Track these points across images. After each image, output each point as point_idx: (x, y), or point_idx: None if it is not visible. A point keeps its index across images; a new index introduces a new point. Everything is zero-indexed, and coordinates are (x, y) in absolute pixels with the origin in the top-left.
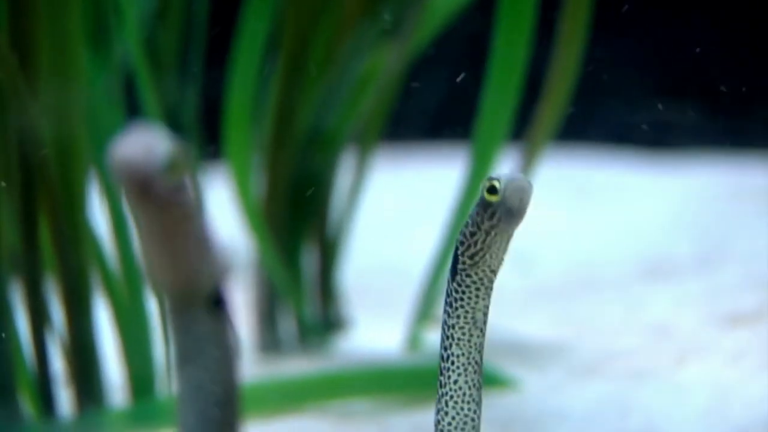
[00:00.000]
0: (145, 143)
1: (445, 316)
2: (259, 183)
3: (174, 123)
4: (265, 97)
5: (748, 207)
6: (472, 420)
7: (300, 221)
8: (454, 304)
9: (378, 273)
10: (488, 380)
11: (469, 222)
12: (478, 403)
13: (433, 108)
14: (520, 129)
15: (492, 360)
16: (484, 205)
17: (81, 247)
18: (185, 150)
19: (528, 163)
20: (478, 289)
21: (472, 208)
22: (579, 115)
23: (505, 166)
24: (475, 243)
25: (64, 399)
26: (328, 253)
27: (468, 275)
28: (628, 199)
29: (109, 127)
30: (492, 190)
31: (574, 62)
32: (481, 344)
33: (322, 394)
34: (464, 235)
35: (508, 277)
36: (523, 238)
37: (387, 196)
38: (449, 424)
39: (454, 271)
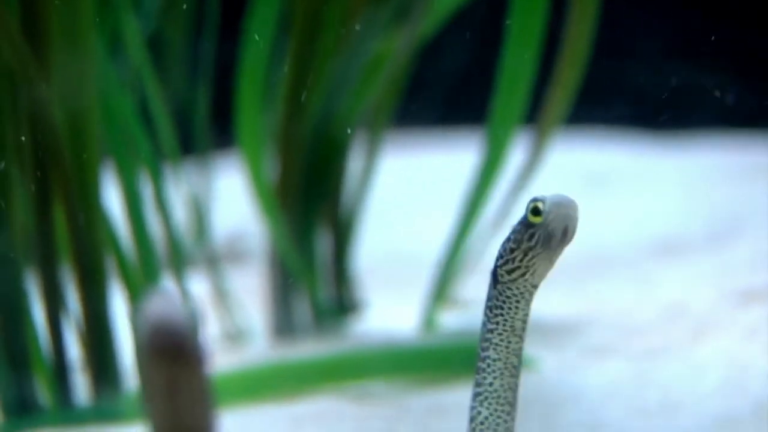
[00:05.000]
0: (171, 306)
1: (485, 318)
2: (271, 168)
3: (185, 111)
4: (276, 82)
5: (758, 185)
6: (505, 422)
7: (313, 205)
8: (494, 310)
9: (391, 256)
10: None
11: (511, 237)
12: (513, 405)
13: (444, 93)
14: (532, 113)
15: None
16: (527, 224)
17: (95, 231)
18: (197, 309)
19: (538, 146)
20: (518, 301)
21: (516, 222)
22: (588, 97)
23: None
24: (513, 260)
25: (81, 384)
26: (341, 237)
27: (509, 288)
28: (639, 179)
29: (121, 110)
30: (536, 211)
31: (584, 46)
32: (519, 349)
33: (339, 376)
34: (504, 249)
35: None
36: None
37: (399, 181)
38: (482, 423)
39: (494, 280)
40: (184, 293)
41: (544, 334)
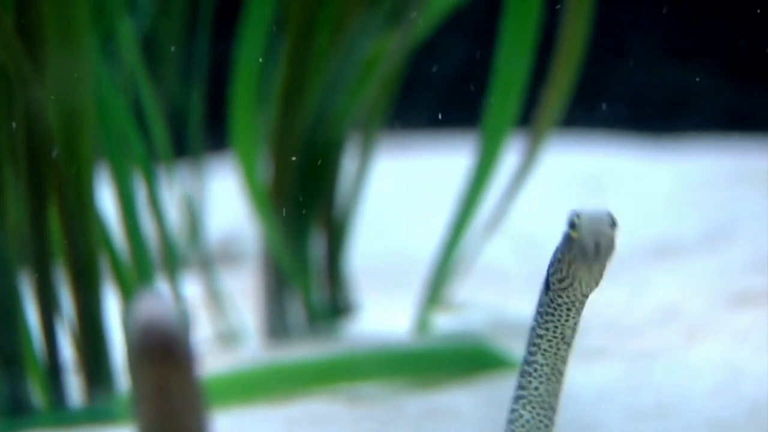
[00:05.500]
0: (161, 308)
1: (534, 323)
2: (265, 169)
3: (179, 111)
4: (270, 83)
5: (752, 189)
6: (546, 426)
7: (307, 207)
8: (545, 317)
9: (385, 258)
10: (496, 361)
11: (558, 247)
12: (555, 411)
13: (439, 94)
14: (527, 114)
15: (501, 341)
16: (567, 237)
17: (89, 232)
18: (187, 311)
19: (533, 149)
20: (569, 309)
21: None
22: (582, 101)
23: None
24: (560, 270)
25: (74, 386)
26: (335, 238)
27: (559, 296)
28: (634, 182)
29: (115, 111)
30: (573, 225)
31: (579, 47)
32: (567, 355)
33: (332, 378)
34: (554, 258)
35: (515, 261)
36: (527, 222)
37: (392, 183)
38: (522, 426)
39: (546, 287)
40: (176, 295)
41: None
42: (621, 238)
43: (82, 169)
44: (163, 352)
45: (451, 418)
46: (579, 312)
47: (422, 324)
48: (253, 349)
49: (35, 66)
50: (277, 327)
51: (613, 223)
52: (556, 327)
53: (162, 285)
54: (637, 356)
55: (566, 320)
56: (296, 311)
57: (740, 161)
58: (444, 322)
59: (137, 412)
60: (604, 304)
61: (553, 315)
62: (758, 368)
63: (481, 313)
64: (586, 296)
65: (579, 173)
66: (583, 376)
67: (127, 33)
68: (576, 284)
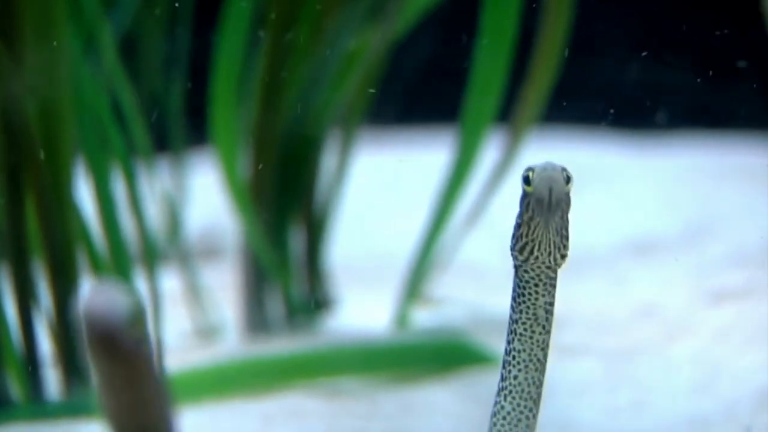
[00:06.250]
0: (108, 299)
1: (510, 311)
2: (245, 165)
3: (159, 107)
4: (250, 78)
5: (732, 185)
6: (527, 418)
7: (287, 202)
8: (517, 300)
9: (364, 253)
10: (475, 357)
11: (517, 214)
12: (536, 402)
13: (418, 90)
14: (506, 111)
15: (479, 336)
16: (523, 195)
17: (67, 226)
18: (142, 304)
19: (512, 145)
20: (536, 285)
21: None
22: (562, 96)
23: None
24: (521, 236)
25: (52, 379)
26: (315, 233)
27: (525, 271)
28: (614, 179)
29: (94, 105)
30: (527, 180)
31: (559, 43)
32: (545, 341)
33: (311, 372)
34: (514, 227)
35: (494, 257)
36: (507, 218)
37: (372, 179)
38: (504, 418)
39: (514, 266)
40: (131, 288)
41: None
42: (601, 235)
43: (60, 164)
44: (108, 344)
45: (430, 413)
46: (548, 289)
47: (401, 319)
48: (232, 343)
49: (13, 60)
50: (256, 321)
51: (567, 176)
52: (528, 308)
53: (109, 278)
54: (616, 353)
55: (536, 299)
56: (275, 306)
57: (720, 158)
58: (423, 318)
59: (102, 405)
60: (583, 300)
61: (523, 295)
62: (737, 365)
63: (460, 308)
64: (550, 268)
65: None
66: (561, 373)
67: (107, 28)
68: (536, 251)
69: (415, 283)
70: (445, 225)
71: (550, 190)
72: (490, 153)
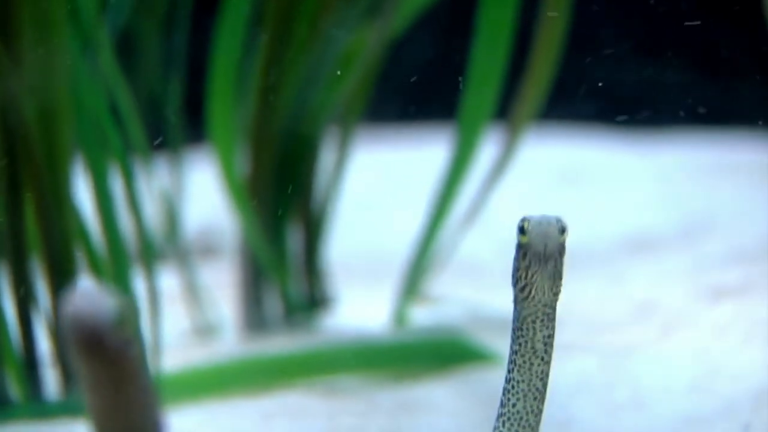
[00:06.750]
0: (94, 300)
1: (511, 341)
2: (243, 162)
3: (157, 104)
4: (248, 76)
5: (729, 182)
6: None
7: (284, 200)
8: (517, 332)
9: (362, 252)
10: (473, 355)
11: (514, 257)
12: (534, 429)
13: (416, 88)
14: (504, 108)
15: (477, 334)
16: (519, 244)
17: (66, 225)
18: (131, 305)
19: (510, 142)
20: (534, 321)
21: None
22: (561, 93)
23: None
24: (521, 278)
25: (51, 379)
26: (313, 231)
27: (523, 308)
28: (612, 176)
29: (92, 104)
30: (522, 231)
31: (557, 41)
32: (544, 372)
33: (309, 371)
34: (514, 269)
35: (492, 255)
36: (505, 215)
37: (371, 176)
38: None
39: (514, 300)
40: (128, 288)
41: None
42: (599, 232)
43: (58, 163)
44: (92, 345)
45: (428, 411)
46: (546, 325)
47: (399, 317)
48: (230, 342)
49: (12, 58)
50: (254, 320)
51: (561, 227)
52: (526, 341)
53: (91, 278)
54: (613, 351)
55: (534, 333)
56: (273, 304)
57: (717, 155)
58: (421, 316)
59: (87, 405)
60: (580, 297)
61: (521, 329)
62: (735, 362)
63: (458, 306)
64: (548, 306)
65: (557, 167)
66: (558, 371)
67: (104, 26)
68: (534, 292)
69: (413, 281)
70: (443, 223)
71: (546, 245)
72: (488, 150)
